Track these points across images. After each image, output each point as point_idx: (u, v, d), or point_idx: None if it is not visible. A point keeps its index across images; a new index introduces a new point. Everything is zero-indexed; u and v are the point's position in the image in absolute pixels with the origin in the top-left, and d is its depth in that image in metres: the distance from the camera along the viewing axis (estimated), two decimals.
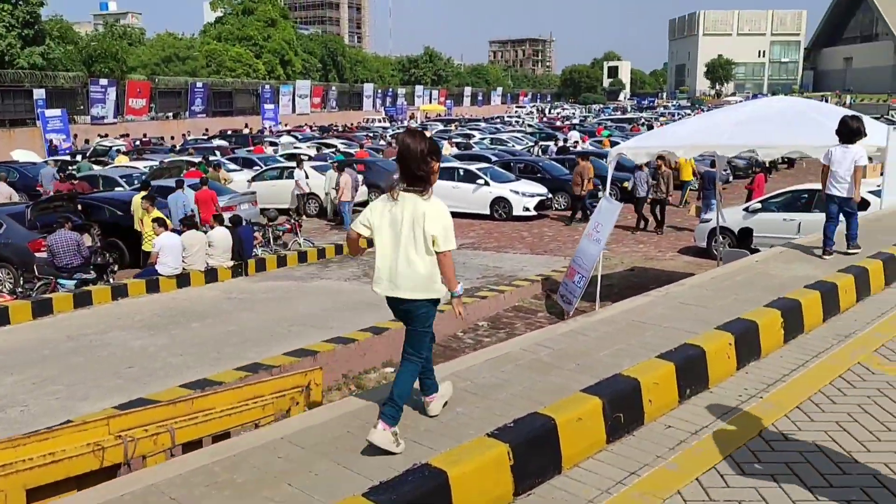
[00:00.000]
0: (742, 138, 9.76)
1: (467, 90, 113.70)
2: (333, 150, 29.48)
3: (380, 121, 70.47)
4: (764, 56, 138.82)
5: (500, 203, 22.22)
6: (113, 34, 64.66)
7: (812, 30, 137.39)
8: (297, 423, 3.82)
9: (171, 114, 54.54)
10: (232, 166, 26.40)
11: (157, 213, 13.63)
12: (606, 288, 13.70)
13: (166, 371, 8.62)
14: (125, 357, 9.22)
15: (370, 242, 3.80)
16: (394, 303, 3.72)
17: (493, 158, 27.96)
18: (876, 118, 51.12)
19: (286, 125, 58.42)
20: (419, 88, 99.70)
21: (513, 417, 3.58)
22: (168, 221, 14.06)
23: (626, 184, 25.12)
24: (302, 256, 16.04)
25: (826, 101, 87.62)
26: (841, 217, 7.30)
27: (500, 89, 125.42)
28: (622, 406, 3.71)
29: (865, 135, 7.46)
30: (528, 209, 21.88)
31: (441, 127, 57.94)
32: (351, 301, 12.19)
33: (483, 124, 60.72)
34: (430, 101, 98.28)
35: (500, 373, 4.12)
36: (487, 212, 22.15)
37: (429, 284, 3.63)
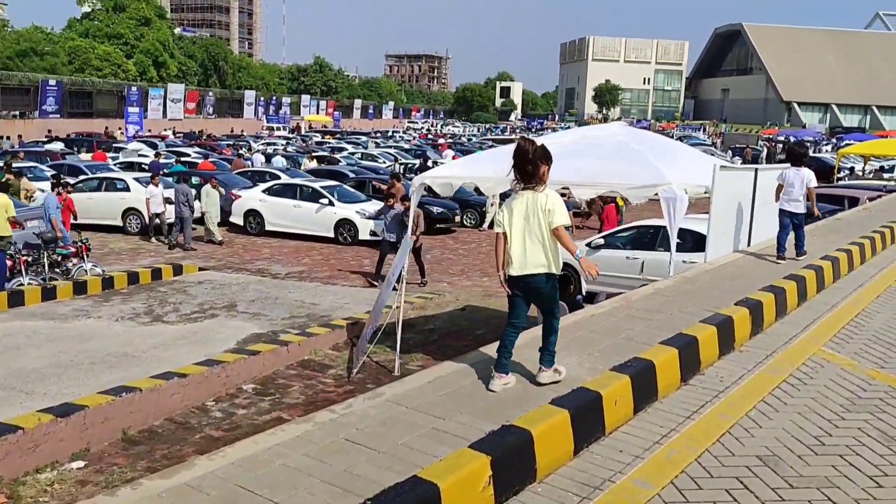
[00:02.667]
0: (555, 173, 8.14)
1: (357, 102, 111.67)
2: (174, 159, 26.65)
3: (274, 130, 66.80)
4: (648, 83, 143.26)
5: (344, 225, 20.26)
6: None
7: (693, 60, 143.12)
8: None
9: (17, 112, 49.70)
10: (52, 174, 23.32)
11: None
12: (425, 333, 11.92)
13: None
14: None
15: None
16: (522, 281, 4.40)
17: (350, 175, 26.02)
18: (742, 147, 52.55)
19: (150, 130, 54.46)
20: (306, 98, 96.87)
21: None
22: None
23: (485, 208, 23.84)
24: (80, 287, 13.49)
25: (704, 129, 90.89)
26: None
27: (391, 103, 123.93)
28: None
29: (808, 158, 8.94)
30: (375, 233, 19.99)
31: (318, 138, 55.54)
32: (101, 352, 9.87)
33: (364, 138, 58.71)
34: (318, 112, 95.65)
35: None
36: (332, 234, 20.18)
37: (548, 262, 4.36)
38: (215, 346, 10.44)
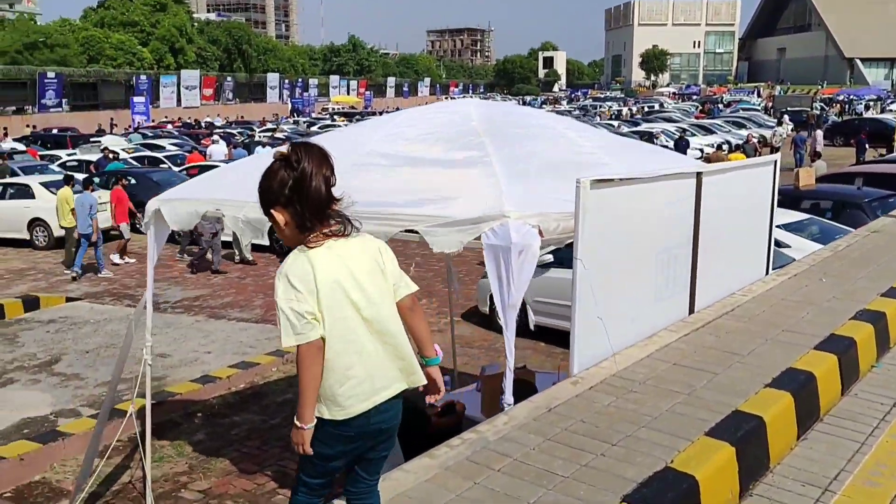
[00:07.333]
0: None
1: (391, 80, 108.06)
2: (113, 155, 23.29)
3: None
4: (699, 47, 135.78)
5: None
6: None
7: (746, 20, 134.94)
8: None
9: (12, 108, 47.68)
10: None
11: None
12: (271, 410, 8.31)
13: None
14: None
15: None
16: None
17: None
18: (798, 110, 46.64)
19: (154, 120, 51.95)
20: (335, 79, 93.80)
21: None
22: None
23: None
24: None
25: (758, 92, 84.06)
26: None
27: (428, 79, 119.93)
28: None
29: None
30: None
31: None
32: None
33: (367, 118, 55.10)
34: (349, 93, 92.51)
35: None
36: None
37: None
38: None
